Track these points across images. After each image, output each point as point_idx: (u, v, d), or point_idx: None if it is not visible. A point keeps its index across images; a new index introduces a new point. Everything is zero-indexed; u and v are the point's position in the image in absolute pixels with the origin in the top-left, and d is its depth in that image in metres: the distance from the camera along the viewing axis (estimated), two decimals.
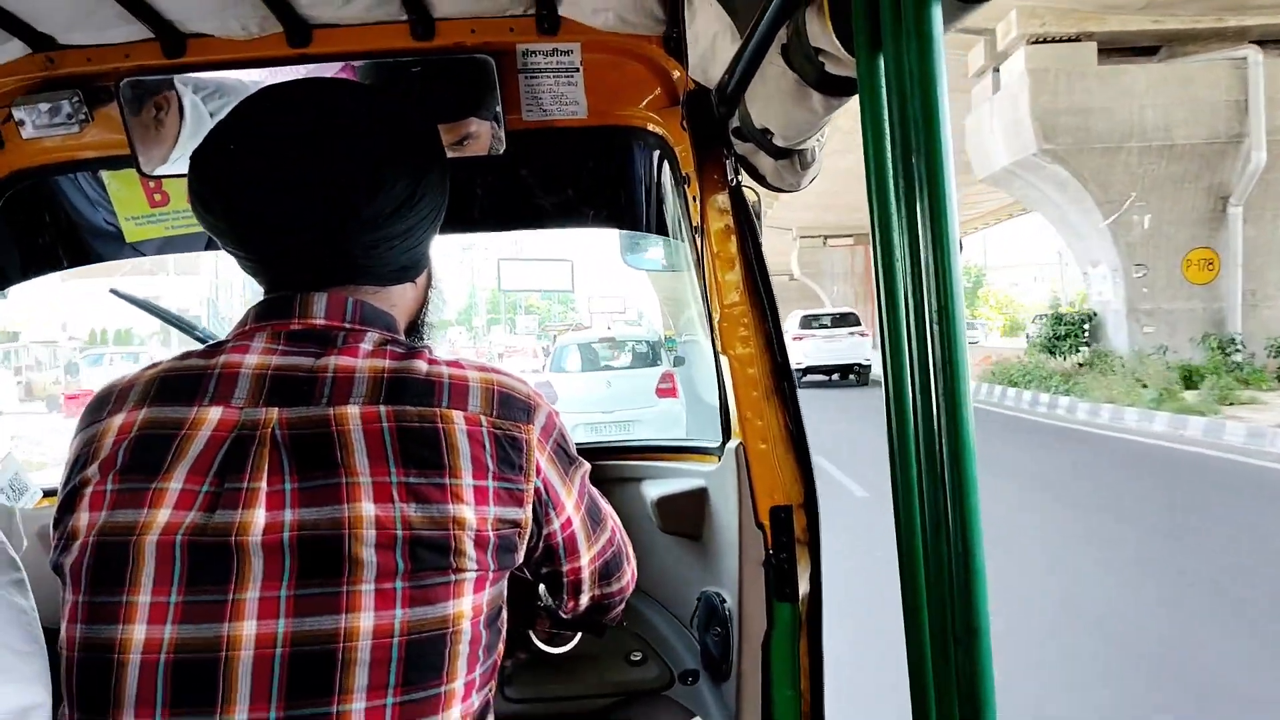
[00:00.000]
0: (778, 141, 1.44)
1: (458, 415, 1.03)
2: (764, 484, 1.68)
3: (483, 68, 1.68)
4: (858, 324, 23.42)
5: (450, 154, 1.75)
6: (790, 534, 1.66)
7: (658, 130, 1.79)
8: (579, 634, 1.72)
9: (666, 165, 1.88)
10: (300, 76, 1.67)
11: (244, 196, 1.04)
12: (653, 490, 1.94)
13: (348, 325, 1.07)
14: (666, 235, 2.13)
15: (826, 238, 42.32)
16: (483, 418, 1.05)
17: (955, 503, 0.73)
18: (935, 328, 0.73)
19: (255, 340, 1.05)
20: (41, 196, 1.97)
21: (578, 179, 2.11)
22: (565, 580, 1.24)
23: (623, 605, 1.38)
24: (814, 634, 1.67)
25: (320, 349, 1.05)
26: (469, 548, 1.00)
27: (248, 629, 0.93)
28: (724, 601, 1.74)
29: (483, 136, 1.74)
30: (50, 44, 1.65)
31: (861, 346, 22.97)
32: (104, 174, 1.96)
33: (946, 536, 0.74)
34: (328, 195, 1.04)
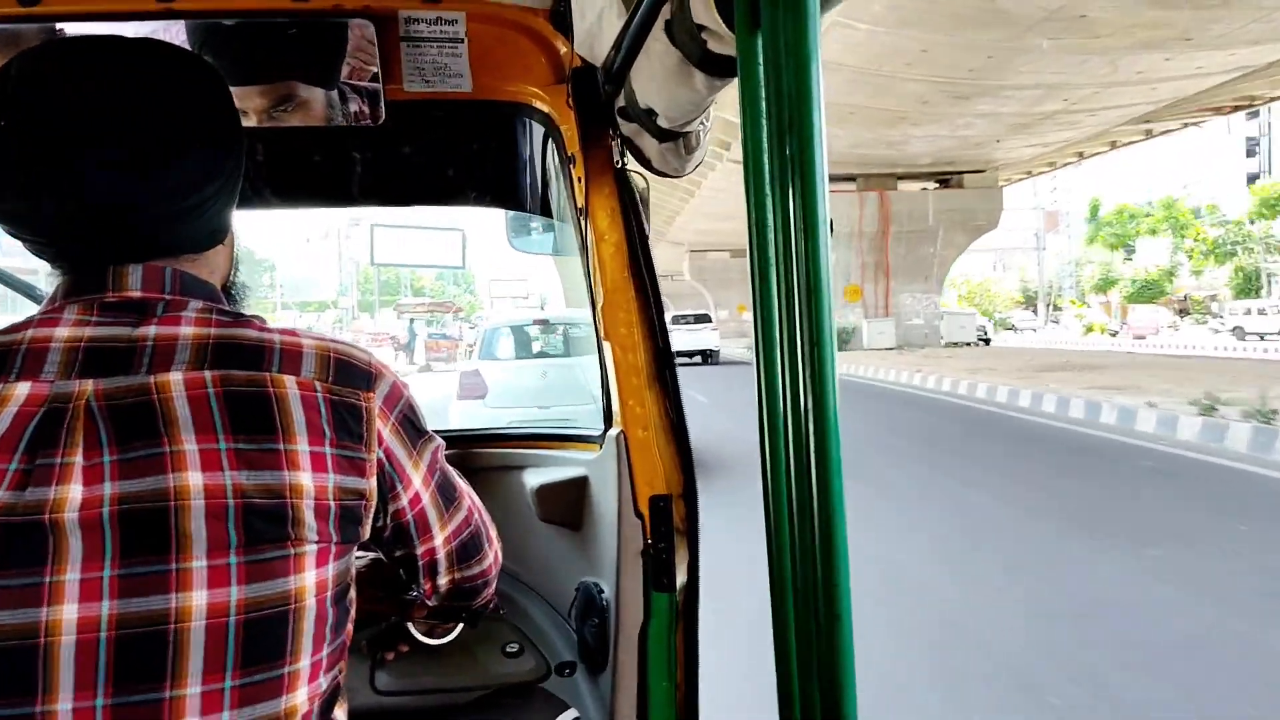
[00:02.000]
0: (662, 123, 1.43)
1: (289, 380, 0.99)
2: (644, 473, 1.67)
3: (363, 32, 1.62)
4: (709, 321, 34.62)
5: (324, 121, 1.72)
6: (669, 523, 1.65)
7: (543, 107, 1.76)
8: (459, 625, 1.68)
9: (552, 145, 1.85)
10: (158, 34, 1.58)
11: (29, 176, 0.95)
12: (533, 479, 1.91)
13: (167, 296, 1.00)
14: (551, 217, 2.10)
15: (708, 250, 54.02)
16: (317, 383, 1.01)
17: (820, 489, 0.74)
18: (804, 307, 0.73)
19: (66, 313, 0.98)
20: None
21: (460, 155, 2.06)
22: (420, 562, 1.20)
23: (489, 589, 1.35)
24: (690, 624, 1.67)
25: (138, 319, 0.98)
26: (308, 516, 0.96)
27: (68, 613, 0.87)
28: (602, 592, 1.74)
29: (358, 105, 1.68)
30: None
31: (711, 337, 33.70)
32: None
33: (810, 521, 0.75)
34: (129, 167, 0.96)
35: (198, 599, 0.90)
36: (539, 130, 1.88)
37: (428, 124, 1.91)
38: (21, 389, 0.93)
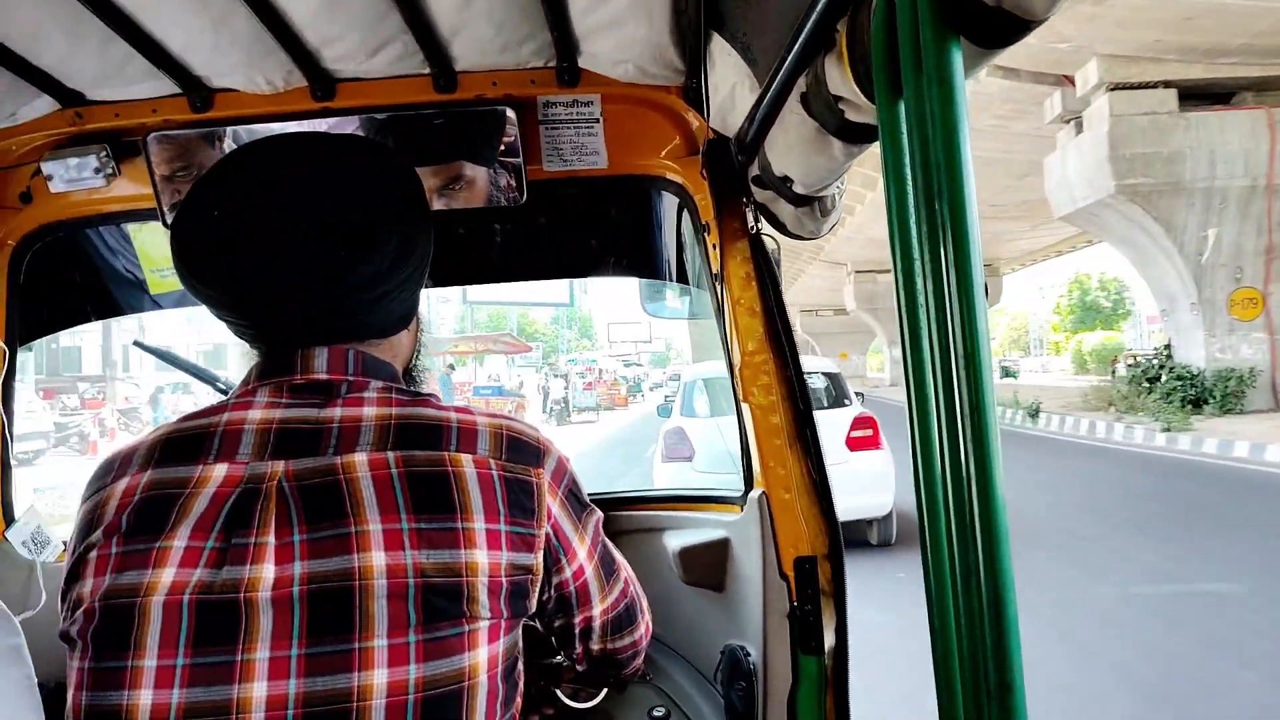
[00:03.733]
0: (797, 189, 1.45)
1: (466, 459, 1.02)
2: (787, 534, 1.66)
3: (504, 119, 1.71)
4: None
5: (469, 204, 1.80)
6: (815, 585, 1.64)
7: (677, 179, 1.81)
8: (604, 690, 1.68)
9: (686, 213, 1.89)
10: (323, 129, 1.72)
11: (236, 265, 1.01)
12: (674, 541, 1.92)
13: (350, 377, 1.06)
14: (687, 283, 2.14)
15: (818, 310, 56.92)
16: (492, 461, 1.04)
17: (987, 553, 0.72)
18: (962, 373, 0.72)
19: (258, 396, 1.04)
20: (69, 249, 2.00)
21: (598, 228, 2.14)
22: (576, 630, 1.22)
23: (638, 660, 1.36)
24: (840, 688, 1.65)
25: (324, 400, 1.04)
26: (482, 594, 0.98)
27: (258, 690, 0.90)
28: (748, 655, 1.72)
29: (501, 186, 1.77)
30: (79, 99, 1.69)
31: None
32: (129, 227, 2.00)
33: (978, 587, 0.73)
34: (321, 257, 1.01)
35: (379, 678, 0.92)
36: (674, 200, 1.93)
37: (567, 200, 1.99)
38: (219, 470, 0.98)
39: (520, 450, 1.07)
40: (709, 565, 1.87)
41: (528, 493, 1.06)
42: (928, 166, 0.75)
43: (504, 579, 1.01)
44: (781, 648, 1.65)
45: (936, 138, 0.73)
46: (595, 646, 1.26)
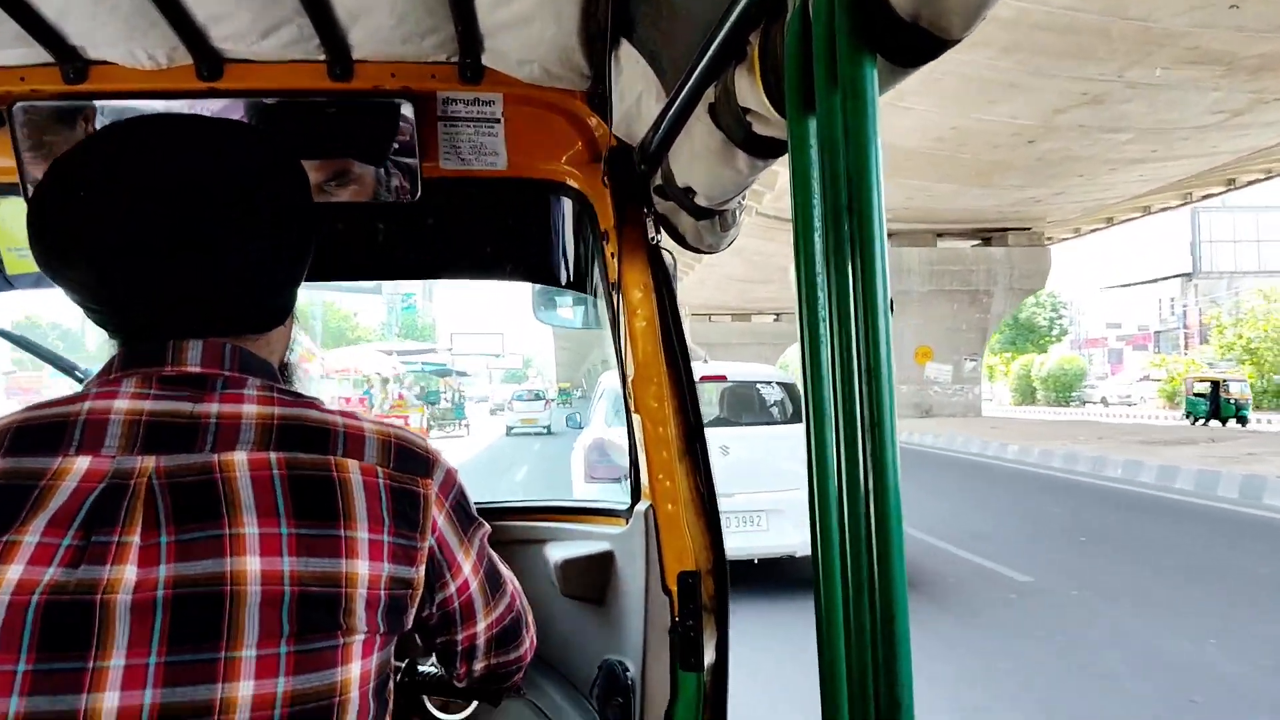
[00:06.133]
0: (700, 201, 1.45)
1: (353, 465, 0.99)
2: (672, 548, 1.67)
3: (401, 112, 1.68)
4: (543, 398, 36.60)
5: (358, 198, 1.76)
6: (698, 600, 1.66)
7: (577, 185, 1.81)
8: (474, 703, 1.67)
9: (586, 221, 1.89)
10: (206, 112, 1.64)
11: (102, 245, 0.95)
12: (556, 553, 1.91)
13: (226, 373, 1.01)
14: (583, 291, 2.14)
15: (711, 315, 54.55)
16: (379, 469, 1.01)
17: (882, 569, 0.73)
18: (864, 387, 0.73)
19: (124, 386, 0.98)
20: None
21: (494, 231, 2.11)
22: (459, 648, 1.20)
23: (521, 674, 1.35)
24: (718, 706, 1.67)
25: (198, 394, 0.98)
26: (359, 607, 0.95)
27: (109, 701, 0.84)
28: (626, 670, 1.73)
29: (393, 182, 1.73)
30: None
31: (544, 412, 34.74)
32: None
33: (871, 604, 0.74)
34: (197, 241, 0.97)
35: (244, 690, 0.88)
36: (573, 207, 1.93)
37: (463, 201, 1.97)
38: (81, 463, 0.92)
39: (408, 460, 1.05)
40: (590, 578, 1.88)
41: (414, 504, 1.03)
42: (836, 182, 0.75)
43: (383, 592, 0.98)
44: (661, 663, 1.66)
45: (848, 154, 0.73)
46: (479, 665, 1.24)
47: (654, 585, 1.66)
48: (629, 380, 1.76)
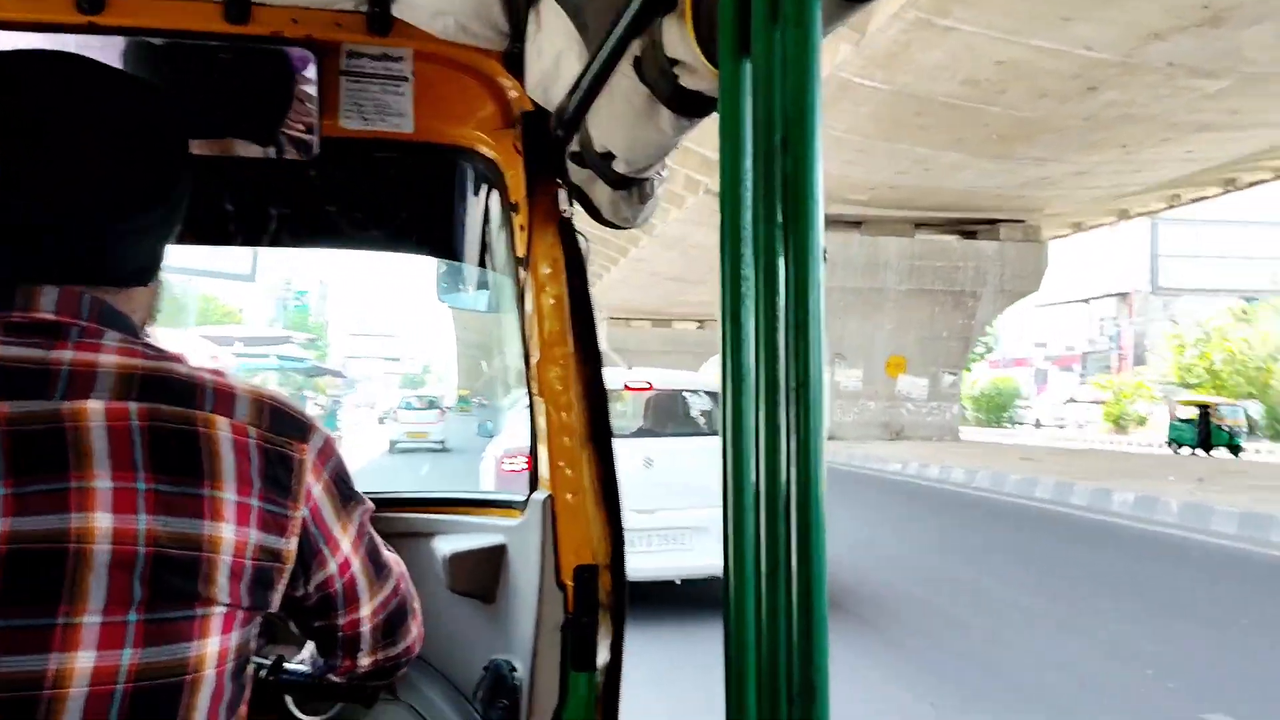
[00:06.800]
0: (618, 167, 1.55)
1: (222, 422, 1.04)
2: (570, 540, 1.78)
3: (301, 62, 1.74)
4: (438, 405, 35.72)
5: (248, 153, 1.82)
6: (594, 596, 1.77)
7: (488, 153, 1.89)
8: (339, 704, 1.74)
9: (494, 192, 1.97)
10: (77, 49, 1.67)
11: None
12: (445, 546, 1.99)
13: (83, 323, 1.04)
14: (486, 268, 2.24)
15: (630, 319, 55.04)
16: (251, 429, 1.06)
17: (800, 542, 0.79)
18: (792, 346, 0.79)
19: None
20: None
21: (395, 198, 2.20)
22: (341, 635, 1.26)
23: (405, 668, 1.41)
24: (610, 708, 1.78)
25: (49, 341, 1.01)
26: (221, 576, 1.00)
27: None
28: (514, 670, 1.83)
29: (288, 138, 1.79)
30: None
31: (438, 423, 33.82)
32: None
33: (787, 580, 0.80)
34: (65, 187, 1.02)
35: (82, 661, 0.91)
36: (481, 176, 2.02)
37: (364, 164, 2.05)
38: None
39: (283, 422, 1.10)
40: (481, 573, 1.98)
41: (287, 468, 1.09)
42: (770, 120, 0.82)
43: (249, 561, 1.03)
44: (551, 663, 1.76)
45: (786, 89, 0.80)
46: (365, 660, 1.31)
47: (548, 580, 1.76)
48: (532, 363, 1.86)
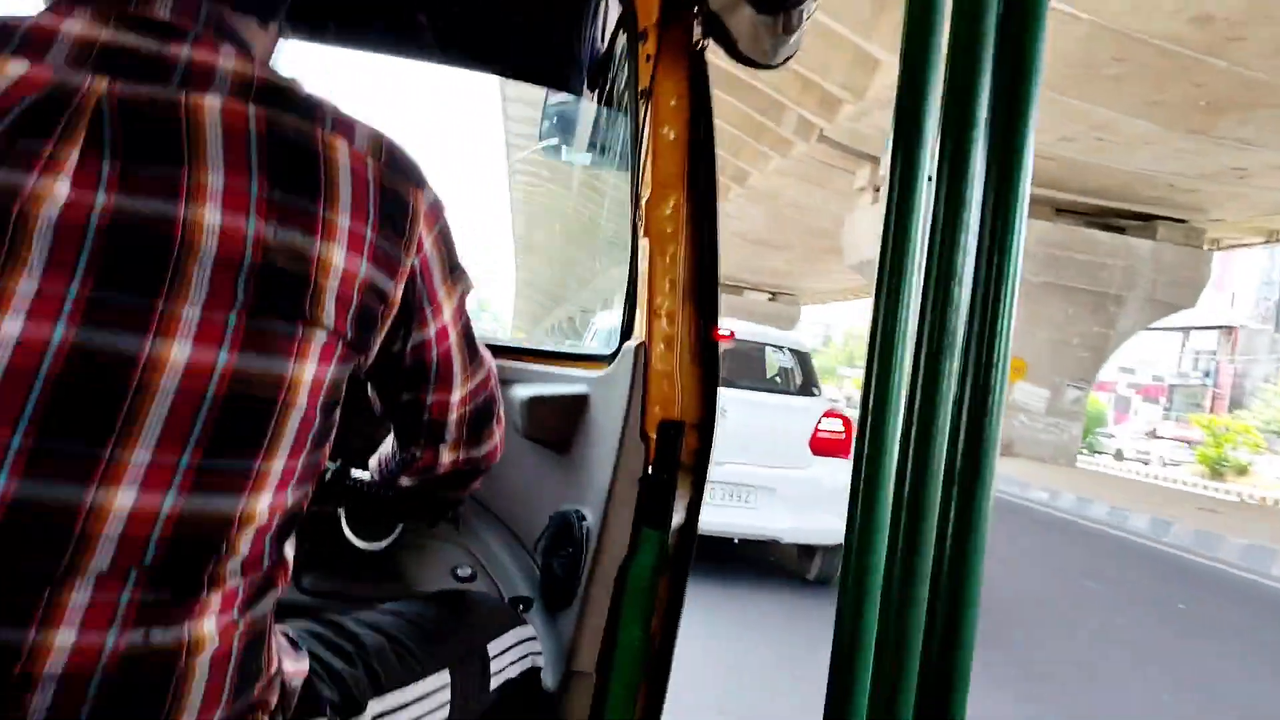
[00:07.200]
0: None
1: (343, 145, 1.09)
2: (659, 393, 1.87)
3: None
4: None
5: None
6: (676, 454, 1.84)
7: None
8: (399, 528, 1.85)
9: (624, 16, 2.06)
10: None
11: None
12: (523, 391, 2.12)
13: (200, 29, 1.06)
14: (602, 104, 2.34)
15: (743, 288, 55.10)
16: (370, 160, 1.11)
17: (955, 556, 0.83)
18: (979, 325, 0.81)
19: (74, 14, 1.02)
20: None
21: (517, 14, 2.31)
22: (427, 418, 1.34)
23: (478, 479, 1.53)
24: (679, 570, 1.86)
25: (164, 39, 1.03)
26: (329, 300, 1.05)
27: (8, 328, 0.91)
28: (584, 520, 1.94)
29: None
30: None
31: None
32: None
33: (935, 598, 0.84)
34: None
35: (178, 351, 0.95)
36: (607, 4, 2.13)
37: None
38: (16, 67, 0.97)
39: (401, 165, 1.16)
40: (559, 420, 2.10)
41: (403, 210, 1.14)
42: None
43: (356, 294, 1.08)
44: (624, 515, 1.84)
45: None
46: (446, 456, 1.40)
47: (631, 431, 1.84)
48: (642, 201, 1.92)
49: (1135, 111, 19.42)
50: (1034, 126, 0.78)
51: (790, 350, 9.62)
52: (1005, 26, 0.78)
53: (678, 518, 1.85)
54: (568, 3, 2.27)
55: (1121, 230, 29.45)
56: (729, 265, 49.94)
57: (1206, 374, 61.57)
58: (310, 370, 1.05)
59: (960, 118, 0.79)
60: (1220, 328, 60.37)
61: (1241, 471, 41.25)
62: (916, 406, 0.85)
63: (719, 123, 2.13)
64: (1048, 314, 29.62)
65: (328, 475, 1.69)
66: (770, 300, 56.06)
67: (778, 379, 9.53)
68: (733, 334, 9.26)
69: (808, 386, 9.11)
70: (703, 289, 1.91)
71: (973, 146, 0.78)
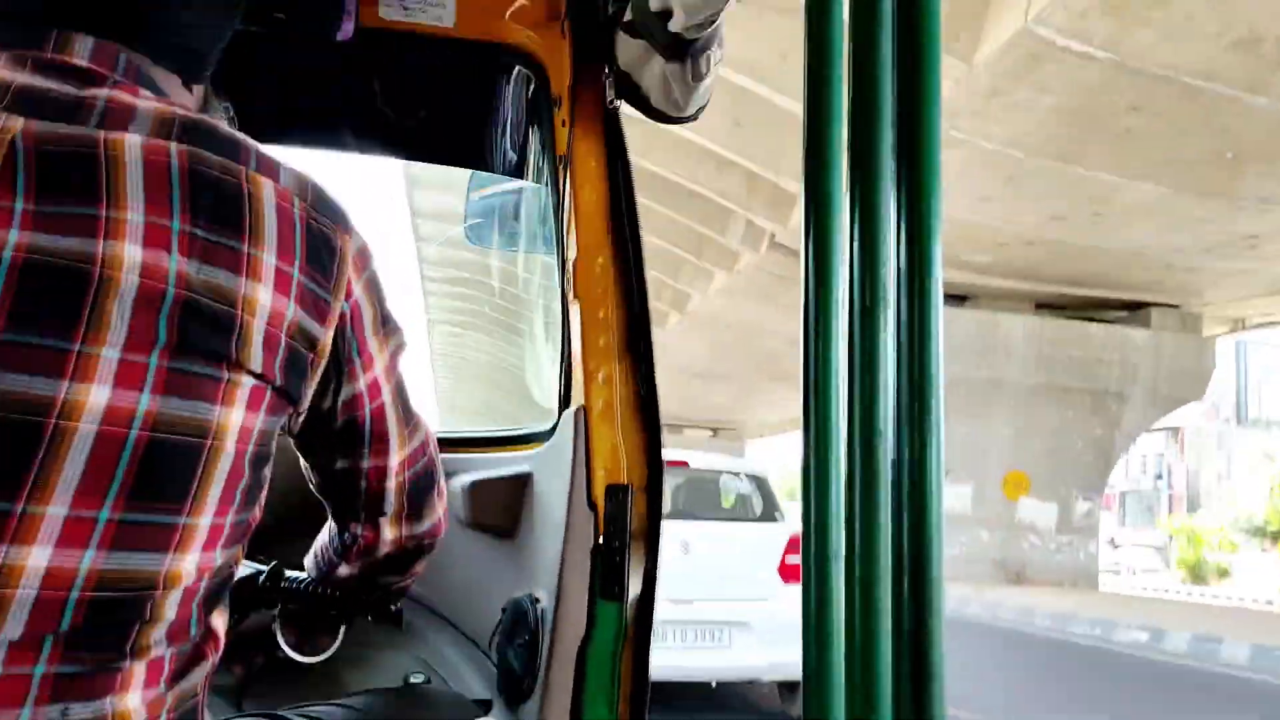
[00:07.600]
0: (674, 25, 1.78)
1: (268, 183, 1.13)
2: (603, 456, 1.94)
3: None
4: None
5: (286, 34, 2.05)
6: (626, 520, 1.90)
7: (532, 48, 2.18)
8: (339, 634, 1.87)
9: (536, 92, 2.27)
10: None
11: None
12: (466, 478, 2.23)
13: (118, 76, 1.12)
14: (522, 178, 2.54)
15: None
16: (296, 199, 1.16)
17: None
18: (906, 428, 0.90)
19: None
20: None
21: (428, 98, 2.51)
22: (365, 487, 1.39)
23: (423, 562, 1.59)
24: (641, 643, 1.91)
25: (82, 84, 1.09)
26: (256, 340, 1.08)
27: None
28: (537, 603, 2.00)
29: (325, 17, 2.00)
30: None
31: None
32: None
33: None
34: None
35: (96, 395, 0.98)
36: (521, 74, 2.32)
37: (399, 60, 2.35)
38: None
39: (327, 207, 1.21)
40: (503, 504, 2.20)
41: (330, 252, 1.19)
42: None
43: (284, 337, 1.13)
44: (578, 591, 1.89)
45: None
46: (389, 532, 1.45)
47: (578, 501, 1.89)
48: (568, 263, 2.05)
49: (1143, 174, 18.48)
50: (940, 211, 0.88)
51: (748, 476, 10.11)
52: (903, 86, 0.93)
53: (634, 588, 1.91)
54: (480, 80, 2.47)
55: (1110, 322, 28.70)
56: (669, 404, 47.03)
57: (1158, 476, 62.85)
58: (237, 417, 1.08)
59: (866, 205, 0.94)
60: (1166, 429, 61.29)
61: (1223, 574, 41.65)
62: (857, 522, 0.95)
63: (653, 239, 2.27)
64: (1043, 419, 28.72)
65: (262, 578, 1.74)
66: (712, 437, 56.45)
67: (738, 507, 9.93)
68: (686, 463, 9.66)
69: (769, 512, 9.61)
70: (636, 346, 2.02)
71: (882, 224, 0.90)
